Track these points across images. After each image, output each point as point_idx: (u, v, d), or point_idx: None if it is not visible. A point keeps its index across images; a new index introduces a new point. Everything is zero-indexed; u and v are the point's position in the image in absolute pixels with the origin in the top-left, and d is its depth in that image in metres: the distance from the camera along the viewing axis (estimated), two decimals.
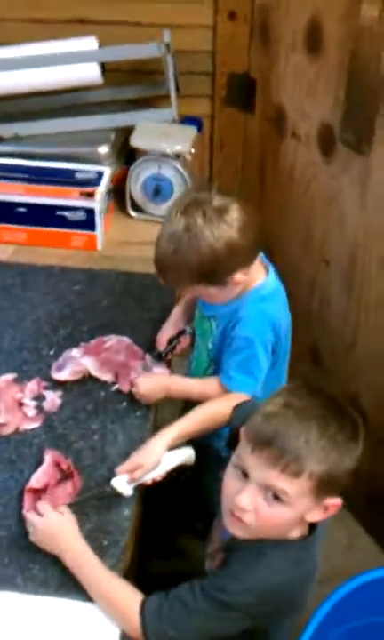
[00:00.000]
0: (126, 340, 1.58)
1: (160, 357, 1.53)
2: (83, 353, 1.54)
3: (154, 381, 1.47)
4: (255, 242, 1.33)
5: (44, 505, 1.22)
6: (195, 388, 1.48)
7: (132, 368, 1.52)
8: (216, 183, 1.34)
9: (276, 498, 1.05)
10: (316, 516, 1.10)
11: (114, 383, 1.51)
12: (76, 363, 1.52)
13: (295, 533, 1.13)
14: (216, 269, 1.31)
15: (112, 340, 1.57)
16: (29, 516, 1.21)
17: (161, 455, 1.28)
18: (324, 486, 1.06)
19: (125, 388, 1.49)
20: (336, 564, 1.90)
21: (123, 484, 1.27)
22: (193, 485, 1.70)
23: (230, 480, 1.11)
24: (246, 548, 1.12)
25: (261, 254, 1.45)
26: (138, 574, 1.33)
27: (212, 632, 1.12)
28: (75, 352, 1.54)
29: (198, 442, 1.37)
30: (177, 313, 1.61)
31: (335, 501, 1.09)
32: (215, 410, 1.34)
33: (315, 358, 2.06)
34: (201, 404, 1.37)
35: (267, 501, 1.06)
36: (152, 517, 1.62)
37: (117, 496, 1.29)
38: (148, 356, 1.53)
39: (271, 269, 1.46)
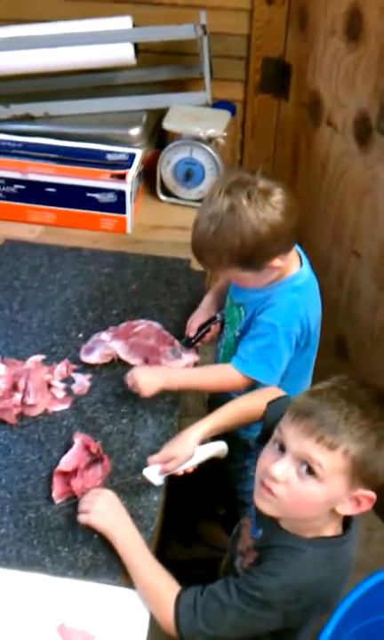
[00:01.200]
0: (156, 324, 1.56)
1: (189, 344, 1.52)
2: (112, 337, 1.52)
3: (151, 372, 1.40)
4: (296, 227, 1.31)
5: (93, 489, 1.23)
6: (196, 375, 1.45)
7: (162, 353, 1.50)
8: (261, 167, 1.31)
9: (310, 472, 1.04)
10: (347, 508, 1.08)
11: None
12: (106, 346, 1.51)
13: (329, 531, 1.11)
14: (256, 253, 1.28)
15: (142, 325, 1.56)
16: (85, 497, 1.22)
17: (194, 448, 1.27)
18: (358, 471, 1.03)
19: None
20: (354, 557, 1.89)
21: (154, 474, 1.27)
22: (216, 472, 1.70)
23: (267, 453, 1.10)
24: (281, 546, 1.10)
25: (296, 246, 1.43)
26: (158, 559, 1.32)
27: (244, 630, 1.11)
28: (104, 335, 1.53)
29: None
30: (208, 300, 1.59)
31: (369, 494, 1.06)
32: (249, 405, 1.32)
33: (340, 351, 2.04)
34: (235, 399, 1.35)
35: (300, 476, 1.05)
36: (173, 502, 1.61)
37: (146, 484, 1.28)
38: (177, 342, 1.52)
39: (305, 260, 1.44)
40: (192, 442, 1.27)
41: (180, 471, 1.28)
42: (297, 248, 1.43)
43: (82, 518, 1.21)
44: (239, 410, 1.31)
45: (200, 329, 1.54)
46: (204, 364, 1.57)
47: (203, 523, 1.90)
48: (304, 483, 1.05)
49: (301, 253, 1.44)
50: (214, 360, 1.62)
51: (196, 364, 1.51)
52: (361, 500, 1.07)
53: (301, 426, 1.03)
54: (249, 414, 1.30)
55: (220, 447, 1.32)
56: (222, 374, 1.42)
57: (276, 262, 1.32)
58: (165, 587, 1.14)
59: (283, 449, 1.07)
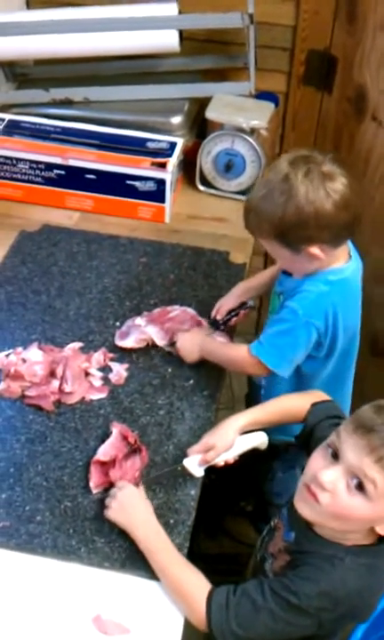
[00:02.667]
0: (191, 310, 1.55)
1: (216, 326, 1.51)
2: (147, 321, 1.51)
3: (189, 337, 1.45)
4: (346, 224, 1.26)
5: (122, 481, 1.21)
6: (219, 348, 1.44)
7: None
8: (333, 153, 1.27)
9: (360, 488, 1.01)
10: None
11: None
12: (141, 331, 1.50)
13: (365, 540, 1.09)
14: (294, 231, 1.24)
15: (176, 310, 1.55)
16: (111, 491, 1.20)
17: (233, 438, 1.25)
18: None
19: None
20: None
21: (194, 465, 1.25)
22: (244, 469, 1.68)
23: (318, 456, 1.07)
24: (317, 552, 1.08)
25: (351, 246, 1.40)
26: (187, 553, 1.31)
27: (275, 633, 1.09)
28: (139, 320, 1.52)
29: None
30: (242, 286, 1.56)
31: None
32: (293, 404, 1.29)
33: (374, 349, 2.02)
34: (279, 397, 1.33)
35: (349, 489, 1.02)
36: (201, 497, 1.60)
37: (185, 476, 1.27)
38: (204, 322, 1.51)
39: (356, 262, 1.39)
40: (232, 432, 1.25)
41: (220, 462, 1.26)
42: (351, 249, 1.39)
43: (106, 514, 1.20)
44: (282, 407, 1.30)
45: (229, 312, 1.52)
46: None
47: (230, 518, 1.89)
48: (351, 497, 1.02)
49: (354, 252, 1.40)
50: None
51: None
52: None
53: (364, 441, 1.00)
54: (291, 413, 1.28)
55: (261, 438, 1.30)
56: (237, 353, 1.40)
57: (315, 250, 1.27)
58: (196, 584, 1.12)
59: (336, 456, 1.04)
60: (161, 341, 1.49)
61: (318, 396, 1.30)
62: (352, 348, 1.48)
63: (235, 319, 1.54)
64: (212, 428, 1.29)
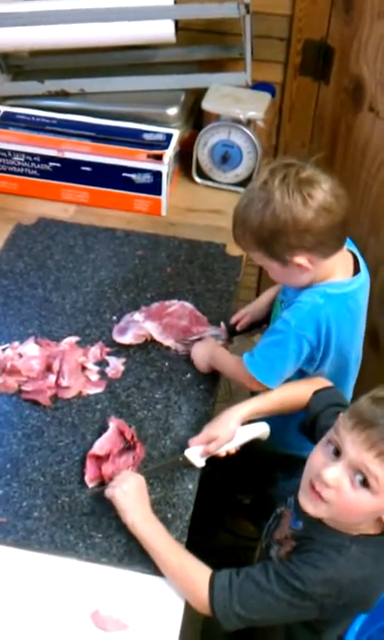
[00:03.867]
0: (189, 305, 1.54)
1: (234, 333, 1.50)
2: (145, 317, 1.51)
3: (202, 346, 1.44)
4: (330, 230, 1.21)
5: (126, 471, 1.22)
6: (225, 362, 1.41)
7: (196, 334, 1.49)
8: (317, 156, 1.24)
9: (364, 483, 1.01)
10: None
11: (176, 350, 1.48)
12: (139, 327, 1.49)
13: (372, 530, 1.09)
14: (275, 239, 1.21)
15: (175, 305, 1.54)
16: (120, 475, 1.21)
17: (235, 428, 1.25)
18: None
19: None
20: None
21: (195, 455, 1.25)
22: (242, 462, 1.68)
23: (319, 454, 1.06)
24: (324, 540, 1.08)
25: (359, 256, 1.36)
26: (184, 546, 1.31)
27: (278, 615, 1.10)
28: (137, 316, 1.51)
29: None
30: (271, 295, 1.52)
31: None
32: (295, 392, 1.28)
33: (374, 343, 2.01)
34: (282, 385, 1.31)
35: (352, 484, 1.02)
36: (199, 490, 1.60)
37: (187, 466, 1.27)
38: (223, 327, 1.50)
39: (364, 278, 1.34)
40: (233, 422, 1.25)
41: (222, 452, 1.27)
42: (360, 261, 1.35)
43: (108, 492, 1.19)
44: (284, 395, 1.29)
45: (251, 325, 1.51)
46: None
47: (228, 511, 1.89)
48: (356, 492, 1.02)
49: (363, 269, 1.35)
50: None
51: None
52: None
53: (363, 436, 1.00)
54: (293, 401, 1.27)
55: (262, 429, 1.30)
56: (236, 365, 1.36)
57: (300, 260, 1.23)
58: (196, 568, 1.13)
59: (338, 453, 1.03)
60: (158, 336, 1.48)
61: (320, 382, 1.29)
62: (347, 367, 1.41)
63: (254, 330, 1.53)
64: (212, 419, 1.29)
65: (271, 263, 1.28)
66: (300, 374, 1.38)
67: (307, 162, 1.22)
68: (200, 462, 1.26)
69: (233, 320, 1.53)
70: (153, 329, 1.49)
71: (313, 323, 1.28)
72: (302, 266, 1.24)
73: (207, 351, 1.44)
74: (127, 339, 1.48)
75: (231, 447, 1.27)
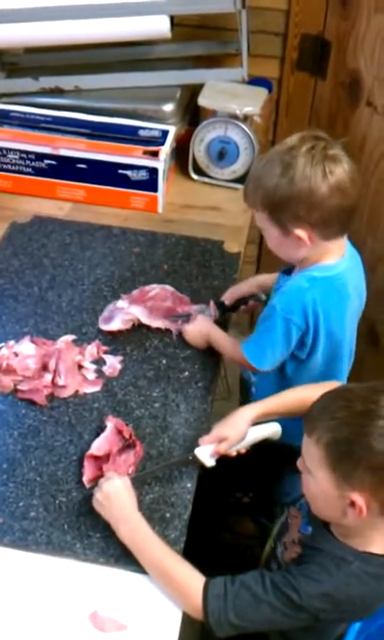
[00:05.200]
0: (169, 287, 1.56)
1: (223, 309, 1.50)
2: (129, 303, 1.51)
3: (199, 325, 1.46)
4: (339, 212, 1.23)
5: (110, 472, 1.20)
6: (225, 342, 1.44)
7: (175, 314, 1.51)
8: (344, 140, 1.25)
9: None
10: (351, 513, 1.01)
11: (167, 330, 1.49)
12: (125, 312, 1.49)
13: (378, 547, 1.07)
14: (284, 205, 1.22)
15: (156, 289, 1.55)
16: (99, 481, 1.18)
17: (246, 428, 1.24)
18: (335, 464, 1.00)
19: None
20: None
21: (206, 455, 1.24)
22: (243, 461, 1.67)
23: None
24: (327, 552, 1.07)
25: (348, 243, 1.36)
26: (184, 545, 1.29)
27: (273, 624, 1.09)
28: (120, 303, 1.52)
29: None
30: (260, 279, 1.54)
31: (356, 497, 0.99)
32: (308, 395, 1.22)
33: (372, 339, 2.00)
34: (295, 387, 1.31)
35: (303, 467, 1.07)
36: (199, 489, 1.59)
37: (194, 465, 1.26)
38: (212, 304, 1.50)
39: (350, 262, 1.34)
40: (244, 422, 1.24)
41: (232, 452, 1.25)
42: (348, 246, 1.35)
43: (93, 502, 1.17)
44: (297, 398, 1.27)
45: (238, 300, 1.51)
46: None
47: (228, 510, 1.87)
48: (304, 476, 1.07)
49: (351, 253, 1.36)
50: None
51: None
52: (354, 503, 1.00)
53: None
54: (305, 404, 1.20)
55: (273, 429, 1.29)
56: (234, 348, 1.41)
57: (301, 232, 1.24)
58: (189, 575, 1.10)
59: None
60: (146, 319, 1.49)
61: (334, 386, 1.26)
62: (339, 353, 1.41)
63: (243, 307, 1.53)
64: (223, 418, 1.27)
65: (272, 228, 1.28)
66: (295, 361, 1.39)
67: (335, 142, 1.23)
68: (210, 462, 1.24)
69: (221, 298, 1.53)
70: (139, 312, 1.49)
71: (298, 306, 1.29)
72: (301, 239, 1.26)
73: (204, 330, 1.45)
74: (115, 325, 1.48)
75: (242, 447, 1.26)
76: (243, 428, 1.24)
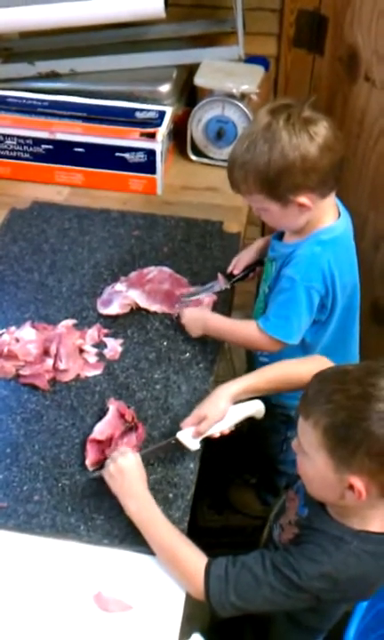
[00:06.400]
0: (166, 269, 1.55)
1: (231, 279, 1.50)
2: (127, 286, 1.50)
3: (195, 313, 1.44)
4: (332, 169, 1.24)
5: (124, 447, 1.20)
6: (227, 326, 1.41)
7: (179, 296, 1.50)
8: (312, 98, 1.25)
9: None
10: (349, 496, 1.01)
11: (164, 313, 1.49)
12: (123, 296, 1.49)
13: (375, 525, 1.06)
14: (281, 179, 1.22)
15: (153, 271, 1.54)
16: (113, 454, 1.19)
17: (226, 407, 1.21)
18: (333, 447, 0.99)
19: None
20: None
21: (188, 437, 1.22)
22: (249, 439, 1.67)
23: None
24: (325, 533, 1.07)
25: (337, 200, 1.37)
26: (189, 526, 1.30)
27: (274, 605, 1.09)
28: (118, 286, 1.51)
29: (267, 399, 1.30)
30: (260, 243, 1.53)
31: (355, 481, 0.98)
32: (292, 370, 1.25)
33: (376, 317, 1.99)
34: (279, 362, 1.29)
35: (300, 450, 1.06)
36: (205, 469, 1.59)
37: (182, 450, 1.24)
38: (220, 276, 1.50)
39: (344, 216, 1.37)
40: (223, 401, 1.21)
41: (216, 433, 1.23)
42: (339, 204, 1.36)
43: (104, 471, 1.17)
44: (281, 374, 1.25)
45: (245, 268, 1.51)
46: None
47: (234, 490, 1.88)
48: (300, 457, 1.06)
49: (342, 209, 1.37)
50: (248, 316, 1.57)
51: (215, 305, 1.49)
52: (353, 486, 0.99)
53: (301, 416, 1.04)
54: (290, 380, 1.23)
55: (256, 407, 1.26)
56: (247, 331, 1.38)
57: (303, 199, 1.25)
58: (192, 556, 1.11)
59: None
60: (144, 303, 1.48)
61: (320, 362, 1.23)
62: (353, 304, 1.45)
63: (251, 275, 1.53)
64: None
65: (270, 205, 1.28)
66: (316, 326, 1.40)
67: (303, 102, 1.23)
68: (194, 445, 1.22)
69: (229, 269, 1.53)
70: (137, 296, 1.49)
71: (317, 272, 1.31)
72: (304, 205, 1.26)
73: (201, 318, 1.43)
74: (114, 309, 1.48)
75: (225, 427, 1.23)
76: (223, 407, 1.21)
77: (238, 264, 1.52)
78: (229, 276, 1.51)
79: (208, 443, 1.26)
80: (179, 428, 1.25)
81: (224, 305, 1.51)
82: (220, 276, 1.51)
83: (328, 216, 1.34)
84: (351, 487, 0.99)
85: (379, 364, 1.01)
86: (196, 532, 1.19)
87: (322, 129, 1.21)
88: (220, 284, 1.50)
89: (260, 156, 1.21)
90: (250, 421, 1.30)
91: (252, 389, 1.24)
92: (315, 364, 1.21)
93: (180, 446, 1.23)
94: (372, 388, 0.97)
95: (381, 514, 1.06)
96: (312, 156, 1.20)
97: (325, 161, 1.22)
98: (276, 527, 1.20)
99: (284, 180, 1.22)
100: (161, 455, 1.25)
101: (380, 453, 0.95)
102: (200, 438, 1.23)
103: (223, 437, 1.25)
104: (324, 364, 1.20)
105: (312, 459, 1.02)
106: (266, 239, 1.51)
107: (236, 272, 1.51)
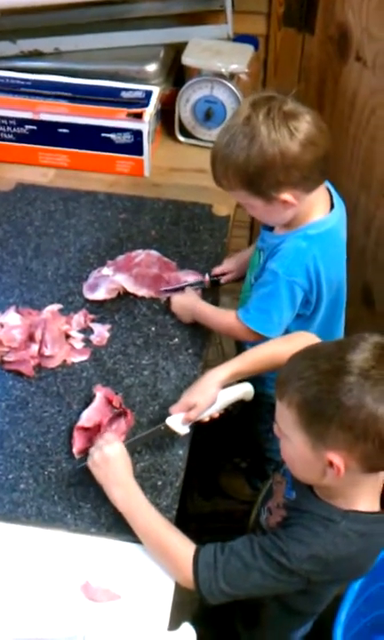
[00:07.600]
0: (154, 252, 1.52)
1: (217, 284, 1.49)
2: (114, 270, 1.47)
3: (185, 300, 1.43)
4: (316, 164, 1.20)
5: (110, 434, 1.18)
6: (212, 314, 1.40)
7: (167, 280, 1.47)
8: (295, 90, 1.21)
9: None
10: (330, 473, 0.99)
11: (152, 298, 1.46)
12: (110, 280, 1.46)
13: (363, 504, 1.05)
14: (261, 176, 1.19)
15: (141, 255, 1.51)
16: (98, 442, 1.16)
17: (215, 394, 1.20)
18: (308, 421, 0.97)
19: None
20: None
21: (177, 423, 1.21)
22: (239, 424, 1.65)
23: None
24: (313, 514, 1.05)
25: (332, 191, 1.34)
26: (179, 512, 1.28)
27: (264, 589, 1.08)
28: (105, 270, 1.48)
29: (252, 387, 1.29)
30: (247, 254, 1.50)
31: (333, 457, 0.97)
32: (276, 350, 1.23)
33: (366, 300, 1.97)
34: (263, 343, 1.28)
35: (280, 432, 1.05)
36: (194, 455, 1.58)
37: (170, 435, 1.22)
38: (207, 277, 1.48)
39: (339, 210, 1.33)
40: (212, 387, 1.20)
41: (205, 418, 1.22)
42: (334, 196, 1.33)
43: (89, 460, 1.15)
44: (265, 354, 1.23)
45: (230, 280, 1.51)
46: None
47: (224, 475, 1.87)
48: (283, 442, 1.04)
49: (337, 199, 1.34)
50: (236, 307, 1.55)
51: (204, 291, 1.47)
52: (332, 463, 0.97)
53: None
54: (275, 360, 1.19)
55: (244, 390, 1.25)
56: (227, 321, 1.37)
57: (286, 196, 1.21)
58: (180, 544, 1.09)
59: None
60: (131, 288, 1.45)
61: (306, 338, 1.22)
62: (339, 298, 1.43)
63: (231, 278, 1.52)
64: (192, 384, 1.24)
65: (254, 201, 1.26)
66: (300, 319, 1.37)
67: (286, 94, 1.19)
68: (183, 430, 1.21)
69: (217, 271, 1.50)
70: (125, 281, 1.46)
71: (301, 267, 1.28)
72: (288, 202, 1.23)
73: (190, 305, 1.41)
74: (100, 294, 1.45)
75: (214, 411, 1.22)
76: (212, 393, 1.19)
77: (230, 275, 1.50)
78: (216, 282, 1.49)
79: (198, 427, 1.24)
80: (168, 414, 1.23)
81: (213, 290, 1.49)
82: (206, 277, 1.48)
83: (317, 209, 1.30)
84: (330, 464, 0.98)
85: (350, 340, 0.99)
86: (185, 519, 1.17)
87: (303, 124, 1.17)
88: (205, 285, 1.47)
89: (240, 152, 1.18)
90: (240, 404, 1.29)
91: (241, 372, 1.23)
92: (301, 339, 1.19)
93: (169, 432, 1.21)
94: (342, 362, 0.95)
95: (367, 492, 1.05)
96: (292, 151, 1.17)
97: (308, 156, 1.18)
98: (264, 511, 1.19)
99: (264, 177, 1.19)
100: (149, 442, 1.23)
101: (353, 425, 0.94)
102: (189, 424, 1.21)
103: (213, 421, 1.24)
104: (311, 340, 1.18)
105: (290, 439, 1.01)
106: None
107: (223, 281, 1.50)
